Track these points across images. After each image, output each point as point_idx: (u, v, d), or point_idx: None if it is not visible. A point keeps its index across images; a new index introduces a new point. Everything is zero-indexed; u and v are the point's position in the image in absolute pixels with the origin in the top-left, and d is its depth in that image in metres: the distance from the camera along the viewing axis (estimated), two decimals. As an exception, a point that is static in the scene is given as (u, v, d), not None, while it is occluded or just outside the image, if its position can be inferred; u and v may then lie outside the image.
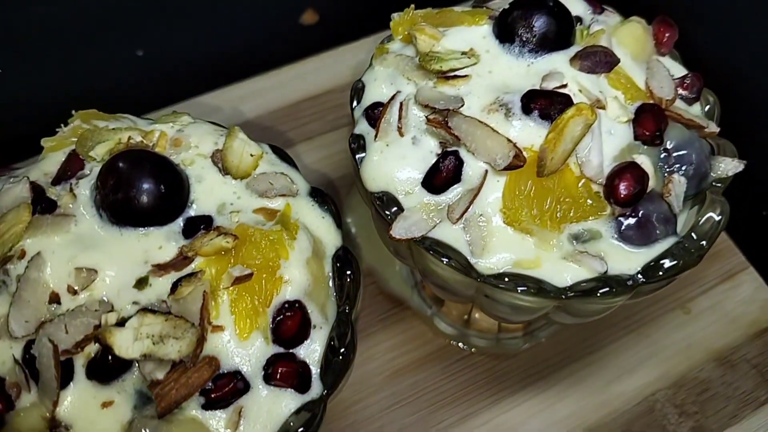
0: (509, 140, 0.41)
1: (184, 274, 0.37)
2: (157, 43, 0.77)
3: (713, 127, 0.46)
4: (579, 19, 0.49)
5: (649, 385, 0.59)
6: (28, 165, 0.44)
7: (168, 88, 0.72)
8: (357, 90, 0.48)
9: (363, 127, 0.46)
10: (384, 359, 0.60)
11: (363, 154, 0.45)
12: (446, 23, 0.47)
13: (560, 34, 0.45)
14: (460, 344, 0.60)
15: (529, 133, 0.42)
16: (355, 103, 0.47)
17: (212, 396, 0.36)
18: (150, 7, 0.75)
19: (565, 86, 0.43)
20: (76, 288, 0.37)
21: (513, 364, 0.60)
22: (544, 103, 0.41)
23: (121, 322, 0.36)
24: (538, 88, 0.43)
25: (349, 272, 0.42)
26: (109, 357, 0.35)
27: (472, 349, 0.60)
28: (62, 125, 0.45)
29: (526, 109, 0.42)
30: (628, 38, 0.47)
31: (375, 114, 0.45)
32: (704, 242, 0.42)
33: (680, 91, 0.46)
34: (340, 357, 0.39)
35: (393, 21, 0.49)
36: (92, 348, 0.36)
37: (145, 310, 0.35)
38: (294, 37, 0.83)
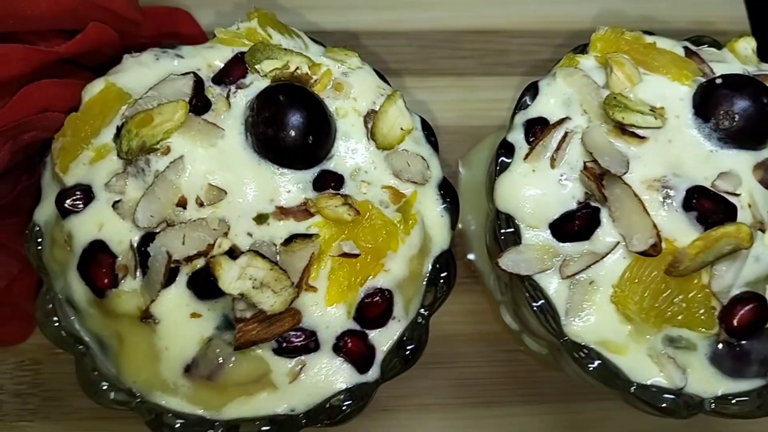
0: (655, 226, 0.39)
1: (301, 229, 0.39)
2: None
3: None
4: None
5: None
6: (197, 50, 0.44)
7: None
8: (528, 94, 0.45)
9: (517, 138, 0.44)
10: (439, 320, 0.61)
11: (509, 161, 0.44)
12: (650, 65, 0.43)
13: (760, 133, 0.41)
14: (514, 339, 0.61)
15: (679, 227, 0.40)
16: (519, 107, 0.45)
17: (285, 345, 0.39)
18: None
19: (737, 195, 0.40)
20: (204, 201, 0.39)
21: (551, 376, 0.61)
22: (708, 207, 0.39)
23: (231, 252, 0.38)
24: (709, 184, 0.40)
25: (444, 276, 0.42)
26: (212, 279, 0.38)
27: (521, 347, 0.61)
28: (239, 20, 0.44)
29: (687, 204, 0.40)
30: (829, 157, 0.42)
31: (535, 131, 0.44)
32: (791, 397, 0.41)
33: None
34: (407, 353, 0.41)
35: (596, 34, 0.45)
36: (200, 262, 0.38)
37: (256, 252, 0.37)
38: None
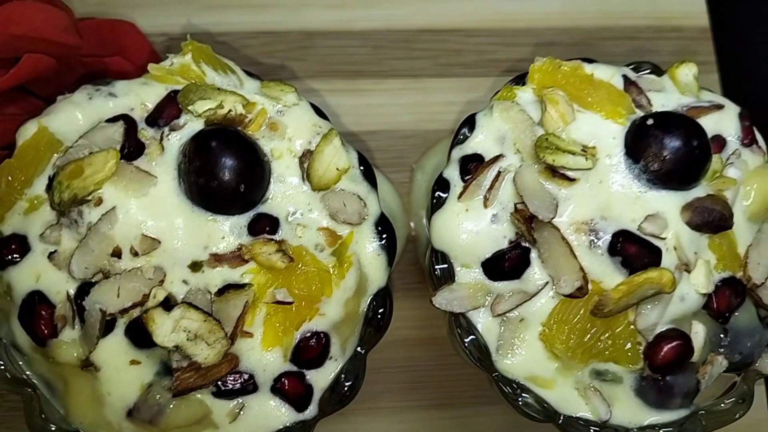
0: (582, 269, 0.40)
1: (235, 276, 0.40)
2: None
3: (789, 318, 0.44)
4: (722, 142, 0.45)
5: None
6: (130, 87, 0.44)
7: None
8: (465, 127, 0.45)
9: (453, 174, 0.45)
10: (392, 326, 0.63)
11: (444, 195, 0.44)
12: (585, 102, 0.43)
13: (689, 175, 0.42)
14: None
15: (605, 270, 0.41)
16: (457, 141, 0.45)
17: (224, 388, 0.40)
18: None
19: (663, 238, 0.41)
20: (138, 251, 0.39)
21: (502, 377, 0.64)
22: (632, 252, 0.40)
23: (167, 300, 0.39)
24: (636, 227, 0.41)
25: (381, 312, 0.44)
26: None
27: (473, 351, 0.63)
28: (171, 55, 0.44)
29: (612, 249, 0.41)
30: (758, 194, 0.43)
31: (470, 169, 0.44)
32: (709, 425, 0.43)
33: (779, 267, 0.44)
34: (344, 390, 0.42)
35: (533, 66, 0.45)
36: (136, 311, 0.39)
37: (189, 304, 0.38)
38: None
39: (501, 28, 0.69)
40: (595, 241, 0.41)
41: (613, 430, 0.42)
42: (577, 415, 0.42)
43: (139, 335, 0.39)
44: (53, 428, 0.41)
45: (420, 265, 0.65)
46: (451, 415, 0.62)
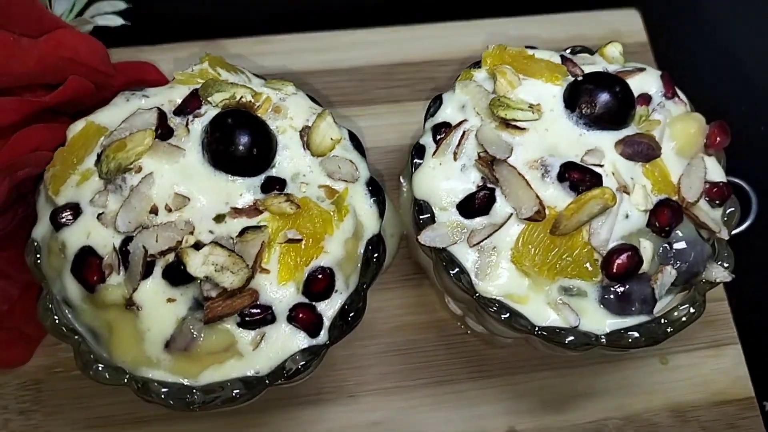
0: (538, 197, 0.49)
1: (252, 223, 0.48)
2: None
3: (724, 234, 0.52)
4: (647, 98, 0.54)
5: (605, 410, 0.68)
6: (159, 90, 0.54)
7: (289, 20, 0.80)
8: (434, 104, 0.55)
9: (427, 140, 0.54)
10: (393, 313, 0.70)
11: (420, 161, 0.53)
12: (528, 72, 0.53)
13: (617, 117, 0.51)
14: (459, 323, 0.69)
15: (557, 196, 0.49)
16: (429, 115, 0.55)
17: (246, 319, 0.47)
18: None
19: (601, 165, 0.49)
20: (171, 207, 0.48)
21: (498, 353, 0.69)
22: (577, 177, 0.48)
23: (196, 245, 0.47)
24: (579, 160, 0.50)
25: (375, 256, 0.51)
26: (182, 268, 0.46)
27: (468, 331, 0.69)
28: (193, 65, 0.54)
29: (561, 177, 0.49)
30: (681, 133, 0.52)
31: (440, 133, 0.53)
32: (670, 329, 0.50)
33: (708, 194, 0.52)
34: (349, 319, 0.49)
35: (485, 52, 0.56)
36: (171, 257, 0.47)
37: (216, 243, 0.46)
38: (413, 3, 0.88)
39: (466, 57, 0.80)
40: (546, 173, 0.49)
41: (584, 335, 0.49)
42: (550, 323, 0.49)
43: (175, 275, 0.46)
44: (100, 368, 0.47)
45: (413, 258, 0.72)
46: (452, 390, 0.67)
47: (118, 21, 0.62)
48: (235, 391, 0.47)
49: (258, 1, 0.85)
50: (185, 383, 0.47)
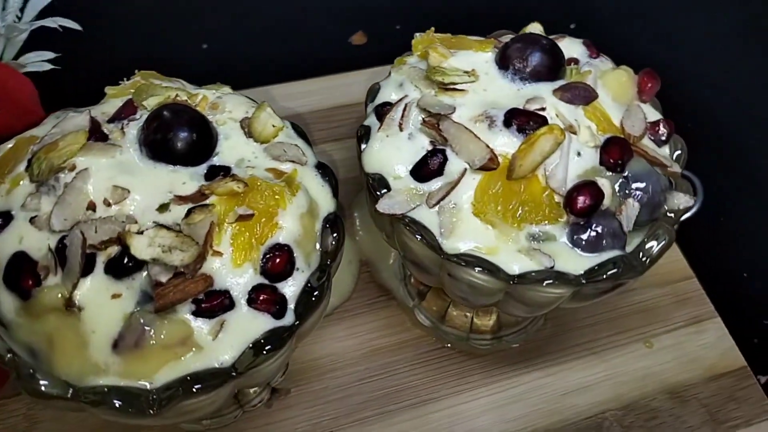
0: (488, 146, 0.48)
1: (198, 204, 0.45)
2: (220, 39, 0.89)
3: (676, 168, 0.52)
4: (575, 60, 0.56)
5: (601, 403, 0.64)
6: (92, 107, 0.52)
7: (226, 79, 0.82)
8: (373, 91, 0.56)
9: (371, 121, 0.54)
10: (364, 338, 0.66)
11: (365, 145, 0.53)
12: (457, 47, 0.55)
13: (549, 68, 0.52)
14: (433, 338, 0.66)
15: (506, 143, 0.49)
16: (369, 101, 0.55)
17: (202, 306, 0.43)
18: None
19: (544, 109, 0.50)
20: (110, 201, 0.45)
21: (480, 362, 0.66)
22: (523, 120, 0.49)
23: (140, 233, 0.43)
24: (521, 107, 0.50)
25: (335, 234, 0.49)
26: (125, 259, 0.43)
27: (447, 344, 0.66)
28: (125, 79, 0.54)
29: (507, 123, 0.49)
30: (613, 82, 0.54)
31: (383, 111, 0.53)
32: (646, 259, 0.48)
33: (652, 133, 0.53)
34: (313, 297, 0.46)
35: (415, 39, 0.57)
36: (114, 250, 0.43)
37: (161, 225, 0.43)
38: (343, 53, 0.93)
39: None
40: (492, 124, 0.49)
41: (562, 276, 0.47)
42: (525, 270, 0.47)
43: (119, 266, 0.43)
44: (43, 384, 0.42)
45: (376, 282, 0.70)
46: (439, 408, 0.63)
47: (46, 66, 0.62)
48: (197, 388, 0.42)
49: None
50: (140, 387, 0.42)
